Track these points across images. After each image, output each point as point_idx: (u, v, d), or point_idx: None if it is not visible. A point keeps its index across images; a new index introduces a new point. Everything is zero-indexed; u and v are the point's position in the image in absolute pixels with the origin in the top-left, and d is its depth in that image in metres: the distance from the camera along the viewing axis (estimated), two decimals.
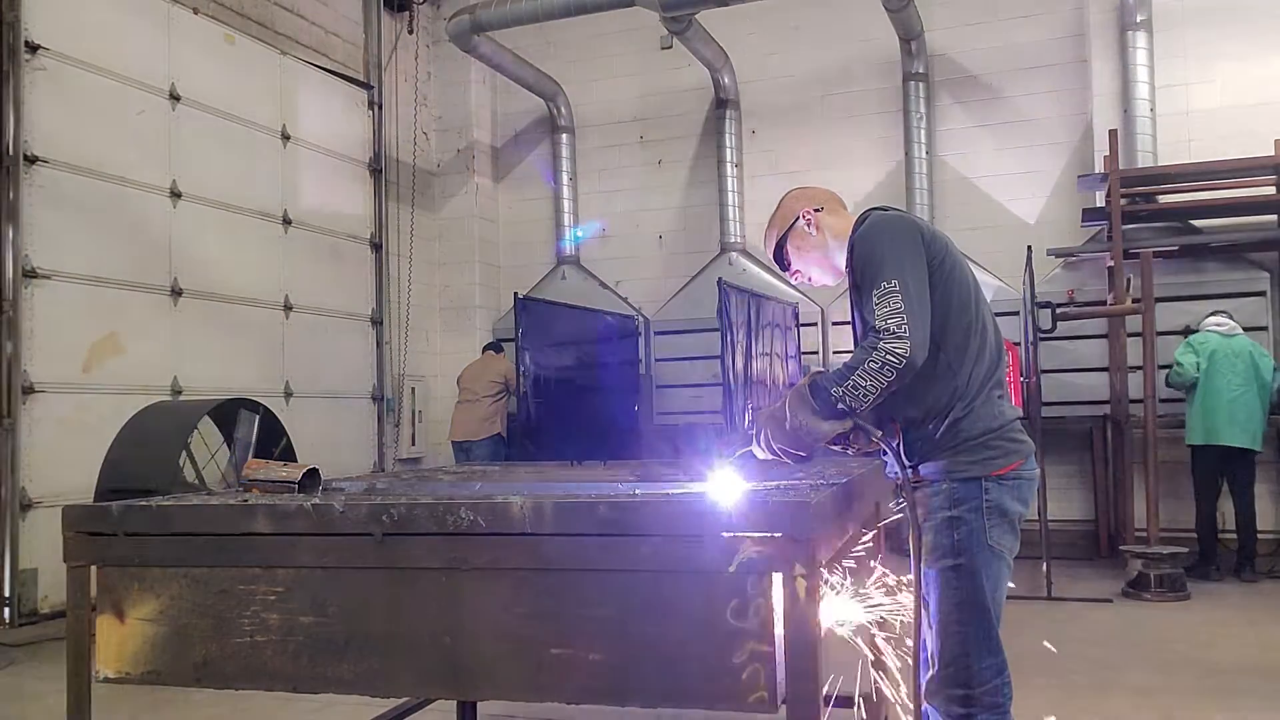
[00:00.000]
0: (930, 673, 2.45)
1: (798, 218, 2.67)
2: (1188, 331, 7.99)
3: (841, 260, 2.62)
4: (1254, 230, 8.23)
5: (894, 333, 2.27)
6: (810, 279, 2.74)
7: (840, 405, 2.32)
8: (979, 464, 2.42)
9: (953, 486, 2.43)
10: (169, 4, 7.67)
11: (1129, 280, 7.70)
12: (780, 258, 2.74)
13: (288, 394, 8.56)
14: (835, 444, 2.46)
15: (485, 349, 9.71)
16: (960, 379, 2.44)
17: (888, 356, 2.26)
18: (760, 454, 2.48)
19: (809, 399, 2.37)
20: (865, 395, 2.30)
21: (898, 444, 2.46)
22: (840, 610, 2.47)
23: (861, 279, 2.42)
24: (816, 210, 2.67)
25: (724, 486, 2.33)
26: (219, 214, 8.03)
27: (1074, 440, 8.50)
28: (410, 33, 10.57)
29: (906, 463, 2.47)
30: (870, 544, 2.72)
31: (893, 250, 2.38)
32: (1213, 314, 7.51)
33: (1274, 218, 8.19)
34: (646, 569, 1.88)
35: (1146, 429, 7.04)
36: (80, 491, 5.88)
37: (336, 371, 9.31)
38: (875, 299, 2.32)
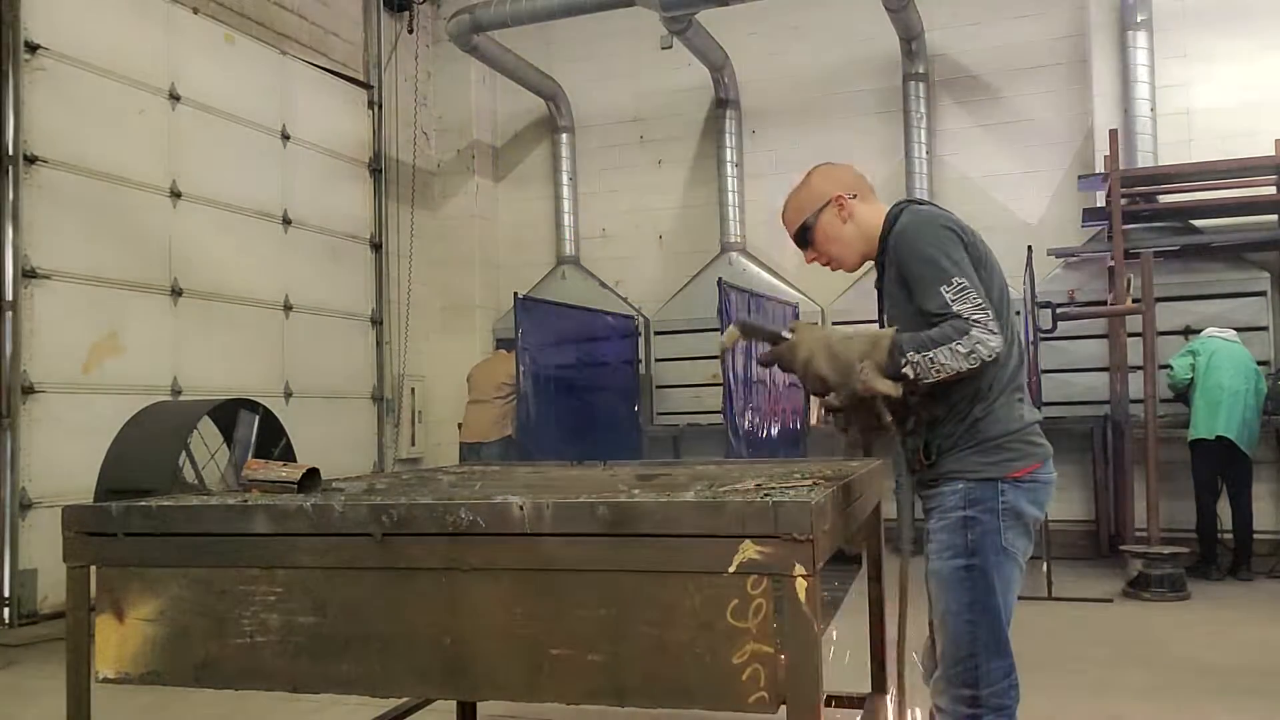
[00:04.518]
0: (937, 672, 2.45)
1: (830, 201, 2.61)
2: (1188, 331, 8.00)
3: (867, 250, 2.60)
4: (1254, 230, 8.23)
5: (988, 326, 2.27)
6: (829, 264, 2.70)
7: (906, 370, 2.28)
8: (996, 465, 2.42)
9: (969, 486, 2.42)
10: (169, 4, 7.67)
11: (1129, 280, 7.70)
12: (802, 237, 2.66)
13: (288, 394, 8.56)
14: (836, 411, 2.40)
15: (497, 347, 9.58)
16: (984, 380, 2.42)
17: (979, 345, 2.26)
18: (783, 362, 2.40)
19: (882, 350, 2.30)
20: (938, 372, 2.28)
21: (912, 428, 2.44)
22: None
23: (918, 276, 2.38)
24: (852, 197, 2.61)
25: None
26: (219, 214, 8.03)
27: (1074, 440, 8.51)
28: (410, 33, 10.57)
29: (923, 460, 2.47)
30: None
31: (952, 252, 2.36)
32: (1213, 328, 7.57)
33: (1274, 218, 8.19)
34: (646, 569, 1.88)
35: (1146, 429, 7.04)
36: (80, 491, 5.88)
37: (336, 371, 9.31)
38: (950, 295, 2.29)
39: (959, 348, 2.26)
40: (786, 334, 2.41)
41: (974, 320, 2.26)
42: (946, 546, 2.43)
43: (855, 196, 2.62)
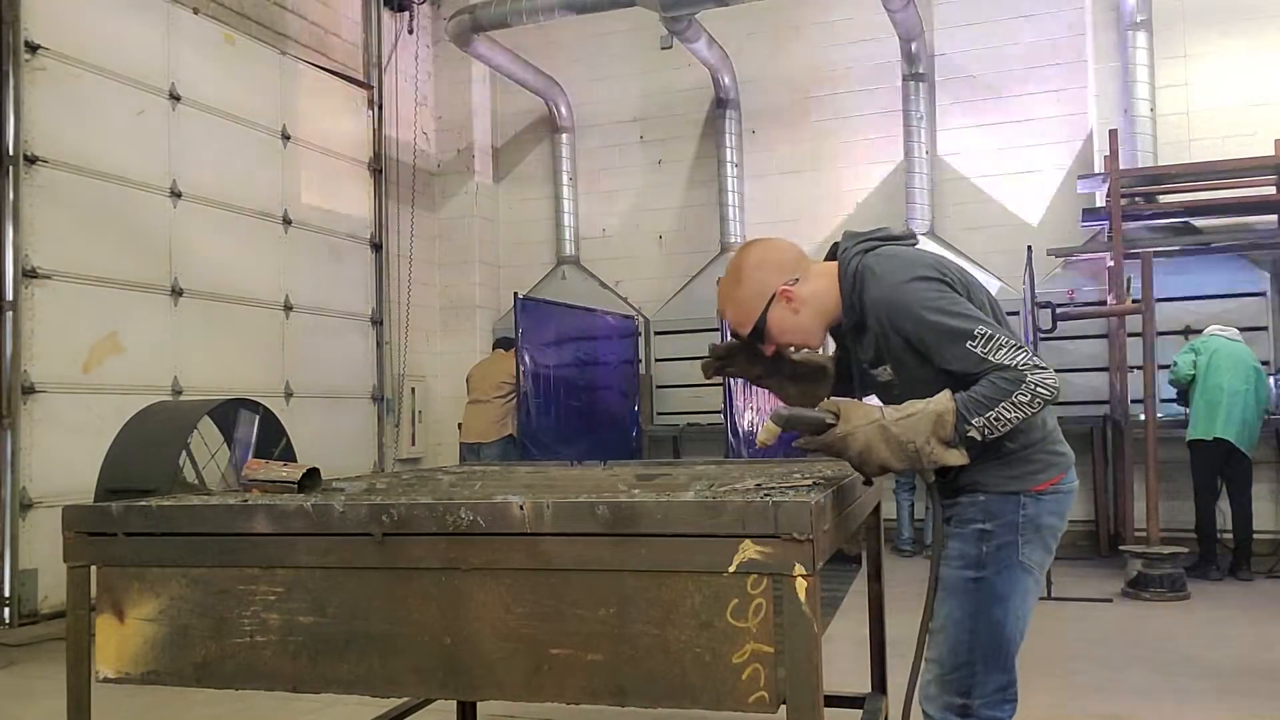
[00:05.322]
0: (929, 676, 2.37)
1: (774, 296, 2.43)
2: (1188, 331, 8.01)
3: (829, 322, 2.48)
4: (1254, 230, 8.24)
5: (1036, 366, 2.18)
6: (792, 349, 2.56)
7: (973, 435, 2.19)
8: (1016, 479, 2.35)
9: (988, 499, 2.35)
10: (169, 4, 7.67)
11: (1129, 280, 7.71)
12: (757, 337, 2.48)
13: (288, 394, 8.56)
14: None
15: (495, 345, 9.57)
16: None
17: (1038, 389, 2.16)
18: (832, 452, 2.27)
19: (948, 425, 2.19)
20: (1005, 427, 2.19)
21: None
22: None
23: (933, 344, 2.27)
24: (794, 282, 2.43)
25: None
26: (219, 214, 8.03)
27: (1074, 440, 8.39)
28: (410, 33, 10.58)
29: (933, 477, 2.38)
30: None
31: (949, 304, 2.26)
32: (1215, 326, 7.57)
33: (1274, 218, 8.20)
34: (646, 569, 1.88)
35: (1147, 429, 7.04)
36: (80, 491, 5.88)
37: (336, 371, 9.31)
38: (981, 349, 2.19)
39: (1020, 398, 2.17)
40: (829, 418, 2.25)
41: (1020, 365, 2.18)
42: (958, 555, 2.37)
43: (797, 280, 2.44)
